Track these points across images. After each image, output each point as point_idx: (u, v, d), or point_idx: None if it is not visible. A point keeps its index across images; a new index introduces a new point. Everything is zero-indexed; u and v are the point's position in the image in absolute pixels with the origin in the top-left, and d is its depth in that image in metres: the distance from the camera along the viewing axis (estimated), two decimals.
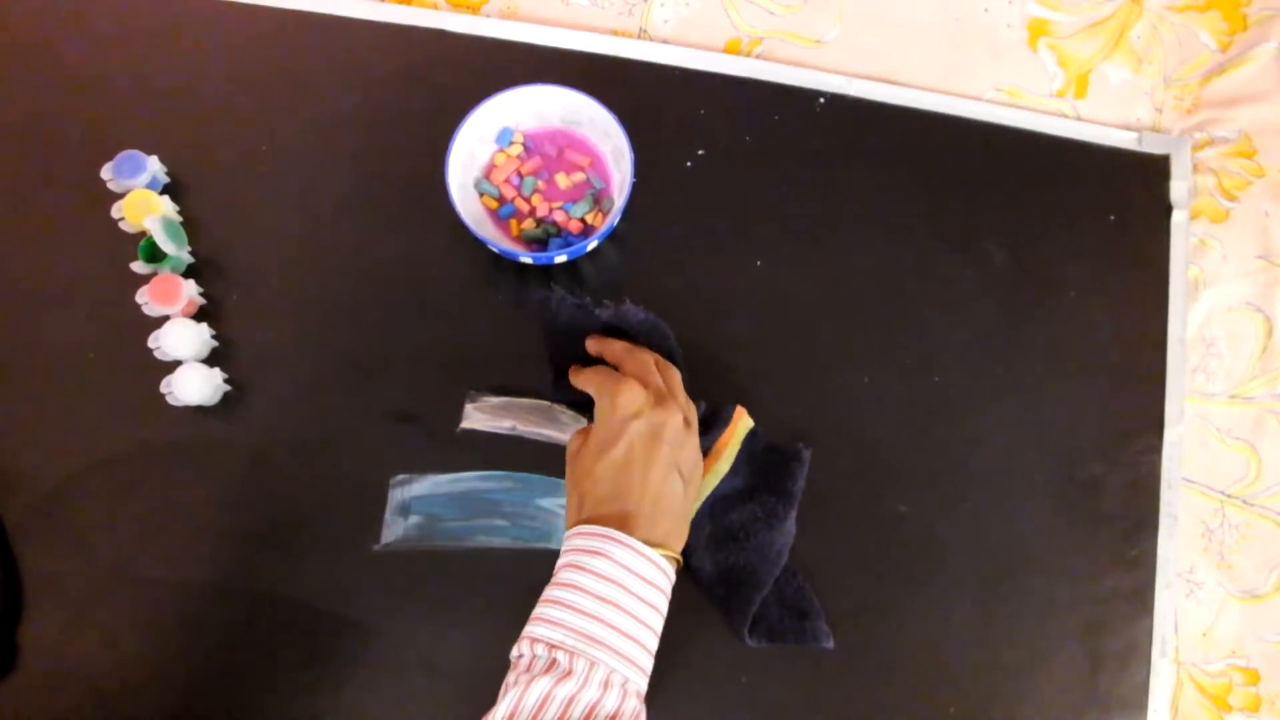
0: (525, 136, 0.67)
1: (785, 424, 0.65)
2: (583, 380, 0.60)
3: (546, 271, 0.67)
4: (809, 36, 0.74)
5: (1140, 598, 0.65)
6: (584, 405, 0.64)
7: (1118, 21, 0.75)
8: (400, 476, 0.63)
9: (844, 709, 0.62)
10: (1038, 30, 0.75)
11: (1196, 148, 0.73)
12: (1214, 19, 0.75)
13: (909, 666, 0.63)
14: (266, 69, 0.71)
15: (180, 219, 0.67)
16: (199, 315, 0.65)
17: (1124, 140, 0.72)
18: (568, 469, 0.58)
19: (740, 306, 0.67)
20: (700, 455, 0.59)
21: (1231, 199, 0.72)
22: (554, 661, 0.49)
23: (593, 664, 0.49)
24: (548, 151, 0.67)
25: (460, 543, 0.63)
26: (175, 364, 0.63)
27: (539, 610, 0.52)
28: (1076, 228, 0.70)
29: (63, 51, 0.70)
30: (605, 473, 0.54)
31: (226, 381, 0.64)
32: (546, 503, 0.63)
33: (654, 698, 0.61)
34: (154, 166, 0.66)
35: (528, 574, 0.62)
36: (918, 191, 0.70)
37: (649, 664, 0.52)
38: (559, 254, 0.62)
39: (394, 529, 0.63)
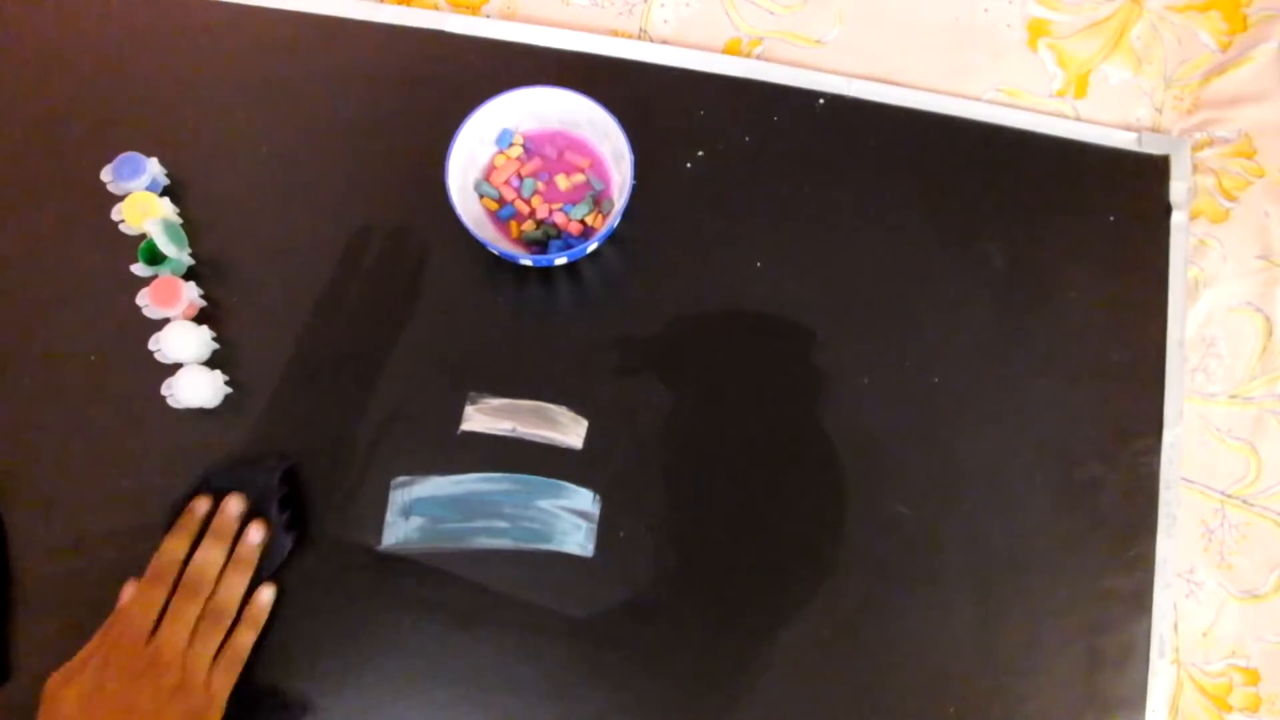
0: (525, 138, 0.67)
1: (785, 424, 0.66)
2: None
3: (547, 273, 0.67)
4: (809, 37, 0.74)
5: (1139, 598, 0.65)
6: (584, 406, 0.64)
7: (1118, 22, 0.75)
8: (401, 478, 0.63)
9: (844, 709, 0.62)
10: (1038, 30, 0.75)
11: (1196, 148, 0.73)
12: (1214, 19, 0.75)
13: (909, 666, 0.63)
14: (266, 70, 0.70)
15: (180, 221, 0.67)
16: (200, 317, 0.65)
17: (1124, 140, 0.72)
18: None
19: (740, 307, 0.67)
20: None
21: (1231, 199, 0.72)
22: None
23: None
24: (547, 153, 0.67)
25: (461, 544, 0.63)
26: (176, 366, 0.63)
27: None
28: (1076, 228, 0.70)
29: (62, 54, 0.70)
30: None
31: (228, 384, 0.64)
32: (546, 504, 0.63)
33: (654, 697, 0.62)
34: (154, 168, 0.66)
35: (528, 575, 0.63)
36: (918, 191, 0.70)
37: None
38: (559, 256, 0.62)
39: (396, 530, 0.63)
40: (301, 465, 0.63)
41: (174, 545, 0.59)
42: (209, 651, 0.57)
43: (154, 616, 0.56)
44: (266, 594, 0.61)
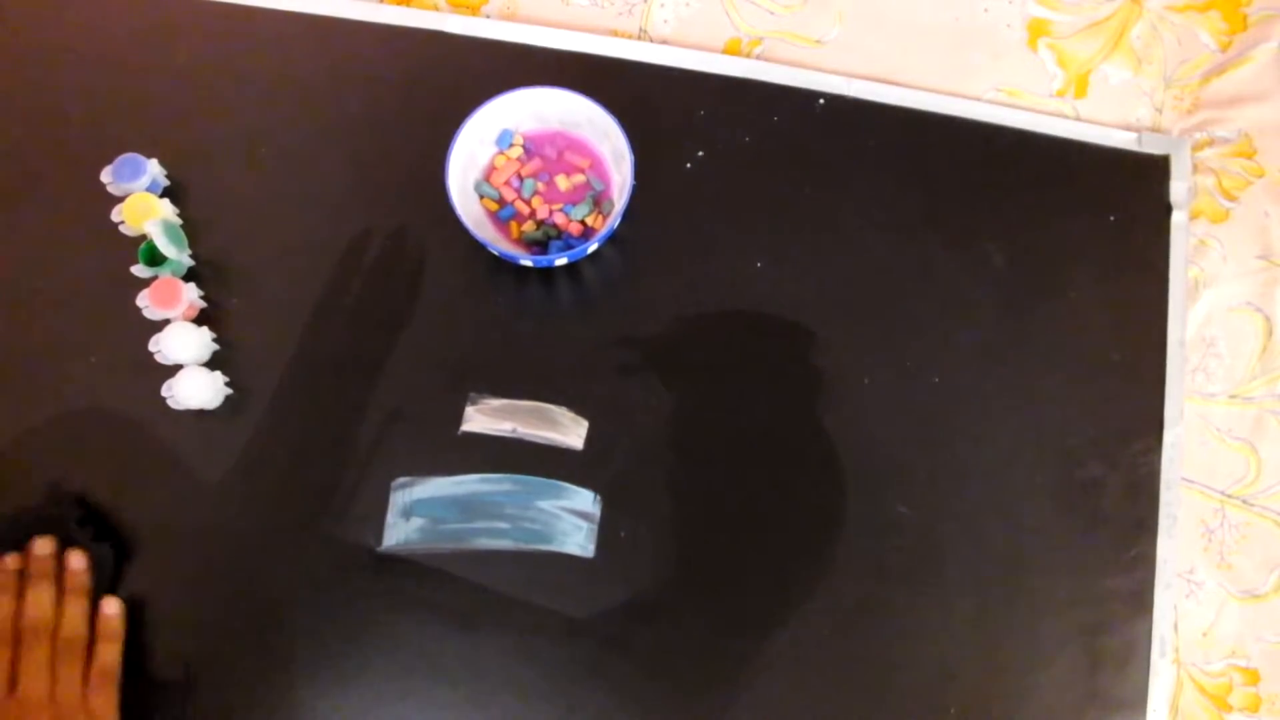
0: (525, 138, 0.67)
1: (785, 425, 0.66)
2: None
3: (547, 274, 0.67)
4: (809, 37, 0.74)
5: (1139, 598, 0.65)
6: (585, 406, 0.64)
7: (1118, 22, 0.75)
8: (402, 479, 0.64)
9: (844, 709, 0.62)
10: (1038, 30, 0.75)
11: (1196, 148, 0.73)
12: (1214, 19, 0.75)
13: (909, 666, 0.63)
14: (266, 71, 0.70)
15: (180, 222, 0.67)
16: (200, 319, 0.65)
17: (1124, 140, 0.72)
18: None
19: (740, 307, 0.67)
20: None
21: (1231, 199, 0.72)
22: None
23: None
24: (548, 153, 0.67)
25: (462, 545, 0.63)
26: (176, 368, 0.63)
27: None
28: (1076, 228, 0.70)
29: (62, 55, 0.70)
30: None
31: (228, 385, 0.64)
32: (547, 505, 0.63)
33: (654, 697, 0.62)
34: (154, 169, 0.66)
35: (528, 576, 0.63)
36: (918, 191, 0.70)
37: None
38: (559, 256, 0.63)
39: (396, 531, 0.63)
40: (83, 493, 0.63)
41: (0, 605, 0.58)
42: (75, 680, 0.57)
43: (6, 675, 0.56)
44: (111, 606, 0.60)
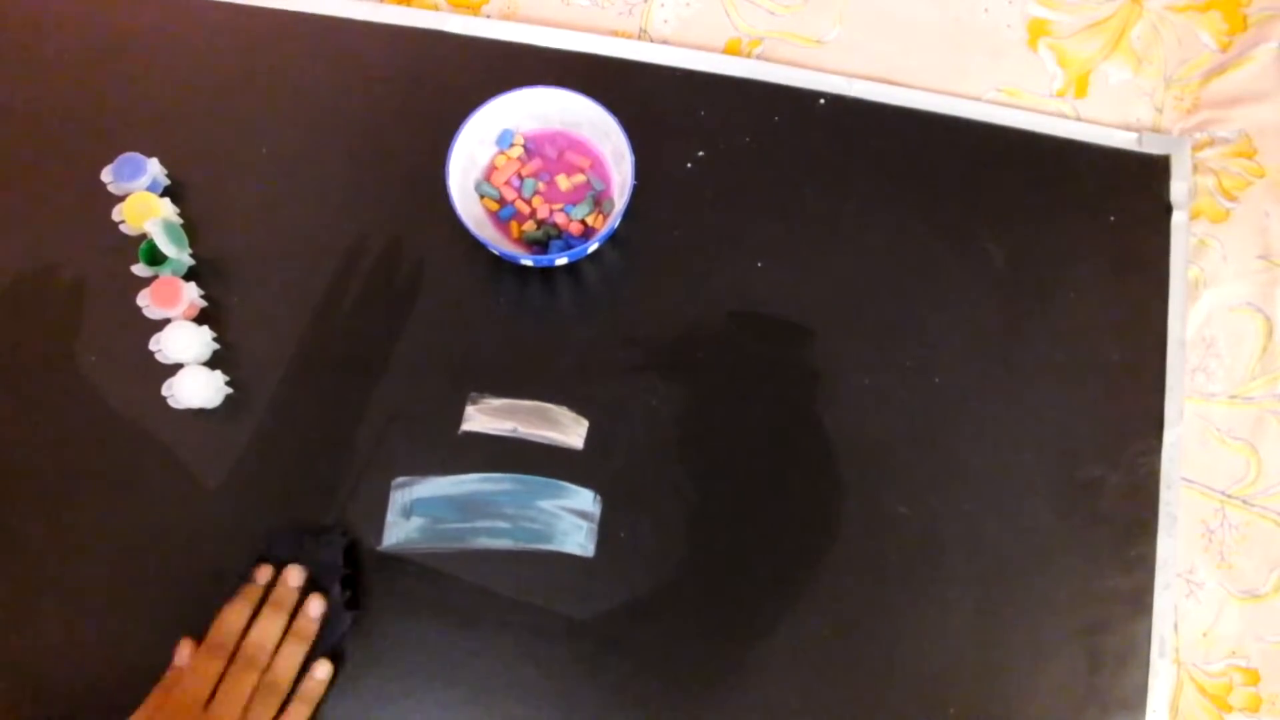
0: (526, 138, 0.67)
1: (785, 425, 0.66)
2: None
3: (547, 273, 0.67)
4: (809, 37, 0.74)
5: (1139, 598, 0.65)
6: (585, 406, 0.64)
7: (1118, 21, 0.75)
8: (402, 479, 0.64)
9: (844, 709, 0.62)
10: (1038, 30, 0.75)
11: (1197, 148, 0.73)
12: (1214, 19, 0.75)
13: (909, 666, 0.63)
14: (267, 71, 0.70)
15: (181, 221, 0.67)
16: (200, 318, 0.65)
17: (1124, 140, 0.72)
18: None
19: (740, 307, 0.67)
20: None
21: (1231, 199, 0.72)
22: None
23: None
24: (548, 153, 0.67)
25: (462, 544, 0.63)
26: (177, 367, 0.63)
27: None
28: (1076, 228, 0.70)
29: (62, 54, 0.70)
30: None
31: (228, 384, 0.64)
32: (547, 504, 0.63)
33: (654, 697, 0.62)
34: (154, 169, 0.66)
35: (528, 575, 0.63)
36: (918, 191, 0.70)
37: None
38: (560, 256, 0.63)
39: (396, 531, 0.63)
40: (357, 538, 0.63)
41: (234, 615, 0.58)
42: None
43: (211, 686, 0.55)
44: (323, 670, 0.59)
